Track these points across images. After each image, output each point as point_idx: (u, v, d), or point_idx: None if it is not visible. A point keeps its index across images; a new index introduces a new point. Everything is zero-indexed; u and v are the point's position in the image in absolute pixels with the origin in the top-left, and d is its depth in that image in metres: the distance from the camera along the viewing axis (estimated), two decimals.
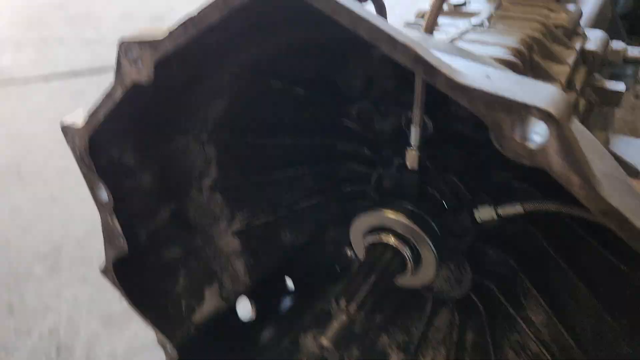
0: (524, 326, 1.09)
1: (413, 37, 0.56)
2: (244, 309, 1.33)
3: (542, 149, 0.51)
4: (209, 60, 0.85)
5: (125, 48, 0.74)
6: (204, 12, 0.65)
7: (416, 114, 0.88)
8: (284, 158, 1.17)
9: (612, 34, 1.38)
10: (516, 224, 1.09)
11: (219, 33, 0.67)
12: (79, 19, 5.36)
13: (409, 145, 0.94)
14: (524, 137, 0.52)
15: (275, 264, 1.30)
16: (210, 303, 1.27)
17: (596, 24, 1.29)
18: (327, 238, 1.34)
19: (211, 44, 0.74)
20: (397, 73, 1.01)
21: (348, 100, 1.11)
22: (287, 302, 1.47)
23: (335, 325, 0.87)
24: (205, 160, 1.12)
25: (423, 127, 0.94)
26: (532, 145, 0.51)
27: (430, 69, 0.54)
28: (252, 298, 1.36)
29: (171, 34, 0.70)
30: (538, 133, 0.52)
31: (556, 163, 0.51)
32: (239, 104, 1.02)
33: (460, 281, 1.21)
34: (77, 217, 2.60)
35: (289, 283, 1.46)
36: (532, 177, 1.00)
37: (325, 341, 0.86)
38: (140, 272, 1.12)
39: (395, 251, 0.96)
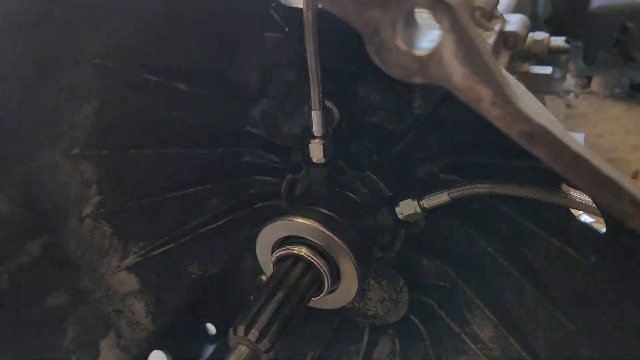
0: (471, 344, 0.94)
1: None
2: None
3: (435, 53, 0.37)
4: (56, 44, 0.69)
5: None
6: None
7: (314, 95, 0.74)
8: (181, 174, 1.01)
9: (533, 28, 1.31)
10: (451, 226, 0.95)
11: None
12: None
13: (313, 137, 0.79)
14: (410, 43, 0.38)
15: (184, 303, 1.11)
16: (107, 357, 1.06)
17: (515, 11, 1.22)
18: (243, 267, 1.16)
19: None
20: (296, 59, 0.87)
21: (248, 100, 0.97)
22: (209, 349, 1.28)
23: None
24: (83, 182, 0.94)
25: (327, 113, 0.80)
26: (421, 52, 0.38)
27: None
28: (165, 347, 1.16)
29: None
30: (428, 40, 0.38)
31: (456, 72, 0.37)
32: (113, 107, 0.86)
33: (397, 301, 1.05)
34: None
35: (210, 327, 1.27)
36: (460, 167, 0.87)
37: None
38: (10, 325, 0.92)
39: (308, 264, 0.80)
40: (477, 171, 0.82)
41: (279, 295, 0.75)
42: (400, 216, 0.80)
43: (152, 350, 1.13)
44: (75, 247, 0.98)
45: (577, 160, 0.35)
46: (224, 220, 1.07)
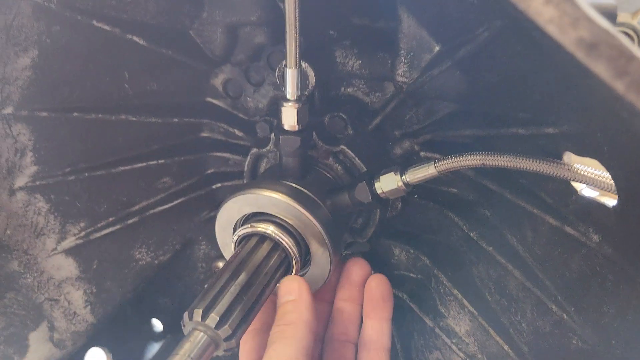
0: (446, 339, 0.87)
1: None
2: None
3: None
4: None
5: None
6: None
7: (290, 50, 0.65)
8: (131, 146, 0.90)
9: None
10: (427, 210, 0.88)
11: None
12: None
13: (286, 100, 0.71)
14: None
15: (128, 294, 0.99)
16: (37, 352, 0.94)
17: None
18: (197, 255, 1.06)
19: None
20: (268, 17, 0.78)
21: (210, 64, 0.87)
22: (153, 348, 1.16)
23: (185, 348, 0.59)
24: (16, 148, 0.82)
25: (303, 77, 0.71)
26: None
27: None
28: (104, 345, 1.04)
29: None
30: None
31: None
32: (55, 60, 0.75)
33: None
34: None
35: (156, 323, 1.16)
36: (443, 144, 0.80)
37: None
38: None
39: (275, 243, 0.71)
40: (463, 148, 0.76)
41: (242, 277, 0.66)
42: (380, 192, 0.72)
43: (90, 347, 1.01)
44: (4, 224, 0.86)
45: None
46: (177, 202, 0.96)
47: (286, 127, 0.72)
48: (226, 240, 0.78)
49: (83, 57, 0.77)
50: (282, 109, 0.71)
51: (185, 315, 0.62)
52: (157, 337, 1.16)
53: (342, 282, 0.84)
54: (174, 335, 1.16)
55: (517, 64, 0.55)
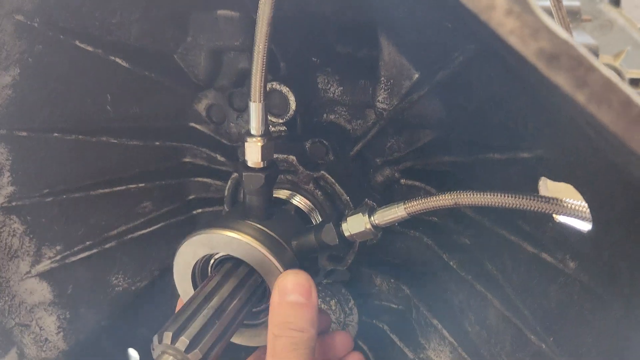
0: None
1: None
2: None
3: None
4: None
5: None
6: None
7: (255, 82, 0.62)
8: (112, 169, 0.89)
9: None
10: (408, 239, 0.88)
11: None
12: None
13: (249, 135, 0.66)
14: None
15: (104, 321, 0.97)
16: None
17: None
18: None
19: None
20: (251, 43, 0.79)
21: (194, 88, 0.88)
22: None
23: None
24: None
25: (283, 102, 0.72)
26: None
27: None
28: None
29: None
30: None
31: None
32: (36, 79, 0.75)
33: (345, 324, 0.96)
34: None
35: (133, 353, 1.13)
36: (423, 172, 0.80)
37: None
38: None
39: (250, 268, 0.69)
40: (443, 176, 0.76)
41: (215, 301, 0.64)
42: (347, 234, 0.69)
43: None
44: None
45: (607, 87, 0.28)
46: (156, 227, 0.95)
47: (250, 164, 0.68)
48: (186, 287, 0.74)
49: (65, 77, 0.77)
50: (246, 144, 0.67)
51: (155, 338, 0.60)
52: None
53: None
54: None
55: (492, 89, 0.56)
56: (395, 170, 0.81)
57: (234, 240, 0.66)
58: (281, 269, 0.66)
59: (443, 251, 0.80)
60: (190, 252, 0.69)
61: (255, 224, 0.69)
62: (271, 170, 0.68)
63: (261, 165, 0.68)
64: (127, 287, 0.98)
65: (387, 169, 0.81)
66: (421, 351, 0.87)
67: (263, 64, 0.60)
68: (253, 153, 0.67)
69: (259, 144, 0.66)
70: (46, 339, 0.92)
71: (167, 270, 1.03)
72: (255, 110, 0.64)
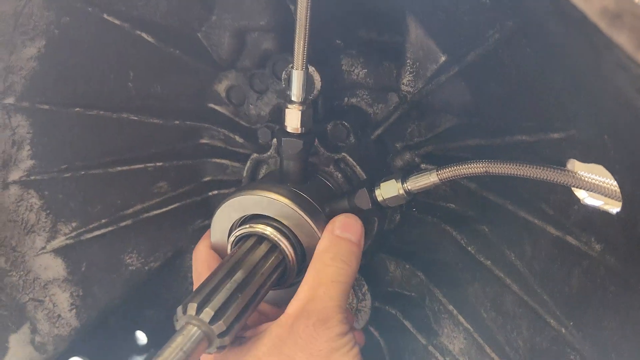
0: (439, 356, 0.85)
1: None
2: None
3: None
4: None
5: None
6: None
7: (298, 50, 0.65)
8: (130, 146, 0.89)
9: None
10: (425, 224, 0.88)
11: None
12: None
13: (290, 102, 0.71)
14: None
15: (116, 300, 0.96)
16: (17, 355, 0.90)
17: None
18: (188, 265, 1.04)
19: None
20: (276, 23, 0.79)
21: (215, 66, 0.87)
22: None
23: (178, 341, 0.57)
24: (13, 140, 0.81)
25: (309, 81, 0.72)
26: None
27: None
28: (85, 355, 1.00)
29: None
30: None
31: None
32: (62, 51, 0.75)
33: (358, 310, 0.96)
34: None
35: (140, 336, 1.13)
36: (444, 157, 0.80)
37: None
38: None
39: (272, 244, 0.70)
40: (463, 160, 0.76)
41: (239, 275, 0.64)
42: (380, 199, 0.71)
43: (71, 357, 0.97)
44: None
45: None
46: (172, 207, 0.95)
47: (289, 130, 0.71)
48: (222, 239, 0.76)
49: (90, 51, 0.77)
50: (286, 110, 0.70)
51: (179, 309, 0.60)
52: (140, 350, 1.13)
53: None
54: (158, 349, 1.12)
55: (526, 69, 0.56)
56: (415, 154, 0.81)
57: (273, 202, 0.70)
58: (316, 230, 0.70)
59: (461, 237, 0.81)
60: (232, 209, 0.73)
61: (292, 188, 0.72)
62: (309, 137, 0.72)
63: (300, 131, 0.71)
64: (140, 266, 0.98)
65: (407, 153, 0.82)
66: (434, 337, 0.87)
67: (306, 32, 0.63)
68: (293, 119, 0.71)
69: (300, 110, 0.70)
70: (59, 316, 0.92)
71: (180, 252, 1.03)
72: (297, 77, 0.68)
